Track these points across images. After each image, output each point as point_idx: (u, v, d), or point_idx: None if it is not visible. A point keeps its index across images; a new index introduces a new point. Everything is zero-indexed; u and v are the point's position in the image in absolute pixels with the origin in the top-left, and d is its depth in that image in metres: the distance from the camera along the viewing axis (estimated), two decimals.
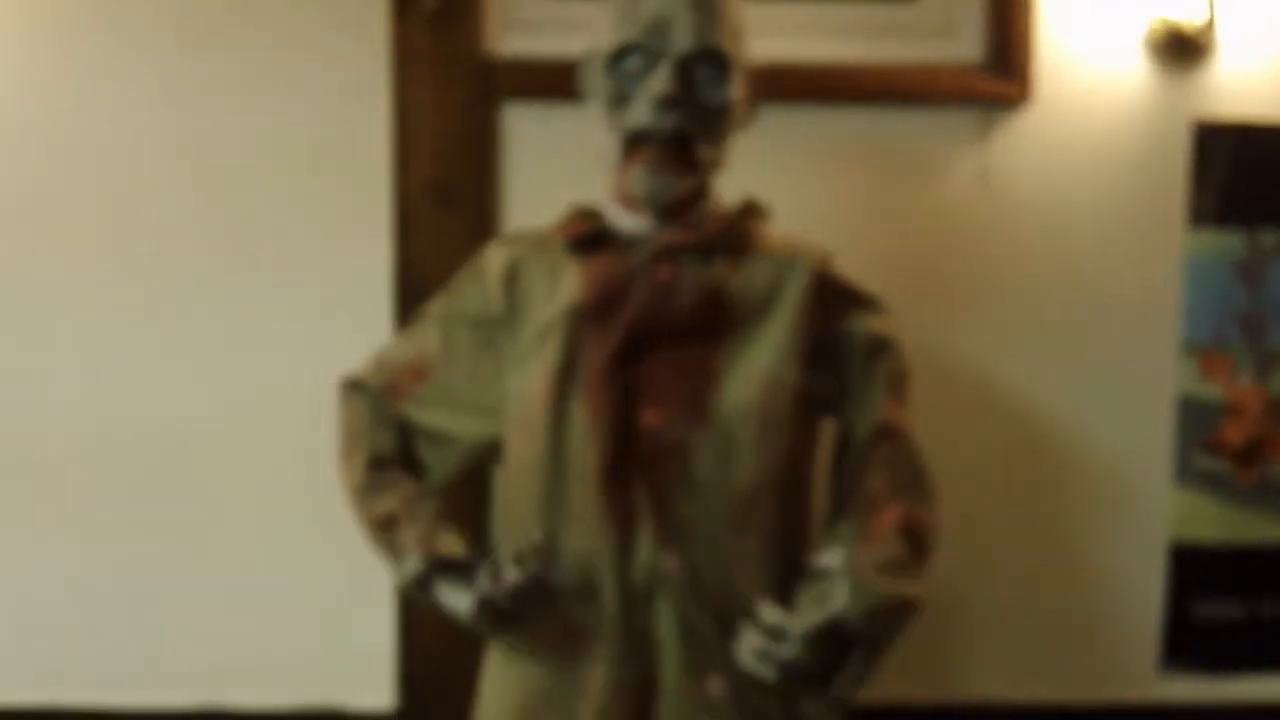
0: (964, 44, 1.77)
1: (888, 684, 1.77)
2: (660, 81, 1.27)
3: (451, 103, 1.73)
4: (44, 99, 1.76)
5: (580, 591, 1.27)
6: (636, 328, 1.28)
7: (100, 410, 1.79)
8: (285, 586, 1.81)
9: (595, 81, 1.35)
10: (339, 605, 1.81)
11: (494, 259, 1.41)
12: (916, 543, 1.27)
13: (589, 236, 1.36)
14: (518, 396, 1.32)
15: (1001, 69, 1.74)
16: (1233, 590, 1.82)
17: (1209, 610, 1.82)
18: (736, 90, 1.32)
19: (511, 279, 1.38)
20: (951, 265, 1.79)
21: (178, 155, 1.76)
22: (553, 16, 1.75)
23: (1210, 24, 1.73)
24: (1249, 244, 1.78)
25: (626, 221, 1.35)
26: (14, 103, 1.76)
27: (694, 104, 1.29)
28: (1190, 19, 1.72)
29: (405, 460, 1.41)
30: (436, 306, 1.44)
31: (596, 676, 1.27)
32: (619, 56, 1.31)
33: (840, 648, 1.19)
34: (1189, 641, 1.83)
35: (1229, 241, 1.78)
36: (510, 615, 1.26)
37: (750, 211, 1.40)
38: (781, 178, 1.73)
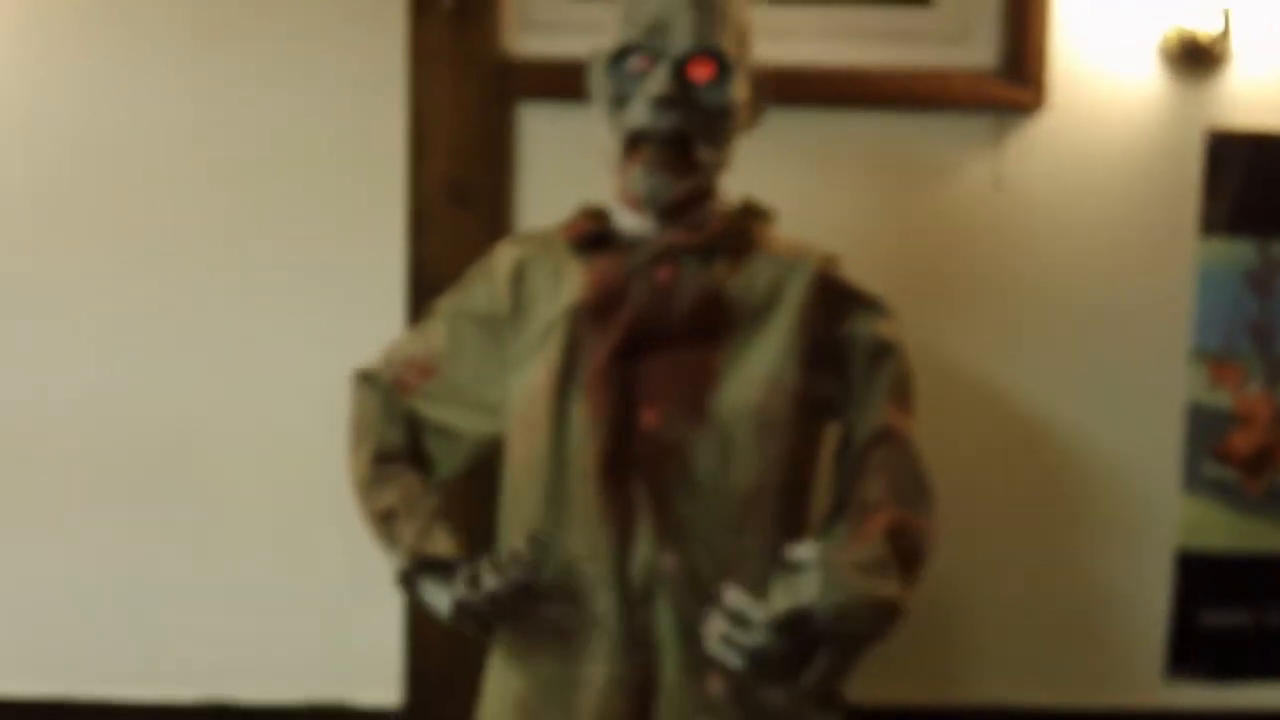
0: (979, 50, 1.77)
1: (892, 687, 1.80)
2: (658, 82, 1.27)
3: (468, 102, 1.73)
4: (59, 94, 1.77)
5: (579, 589, 1.27)
6: (635, 328, 1.29)
7: (110, 406, 1.80)
8: (292, 582, 1.81)
9: (597, 82, 1.35)
10: (346, 601, 1.81)
11: (502, 258, 1.42)
12: (905, 547, 1.25)
13: (592, 236, 1.36)
14: (521, 394, 1.33)
15: (1016, 75, 1.74)
16: (1239, 598, 1.83)
17: (1215, 618, 1.83)
18: (738, 92, 1.32)
19: (518, 278, 1.38)
20: (963, 270, 1.79)
21: (192, 151, 1.77)
22: (569, 17, 1.76)
23: (1225, 34, 1.73)
24: (1260, 254, 1.78)
25: (630, 222, 1.36)
26: (29, 97, 1.77)
27: (693, 105, 1.29)
28: (1205, 28, 1.73)
29: (414, 454, 1.42)
30: (446, 303, 1.45)
31: (596, 674, 1.27)
32: (619, 57, 1.31)
33: (810, 641, 1.17)
34: (1195, 648, 1.83)
35: (1241, 251, 1.78)
36: (488, 618, 1.26)
37: (752, 213, 1.40)
38: (796, 181, 1.75)
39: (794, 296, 1.32)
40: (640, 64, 1.30)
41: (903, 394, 1.35)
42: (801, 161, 1.76)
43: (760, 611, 1.17)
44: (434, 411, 1.41)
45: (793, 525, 1.30)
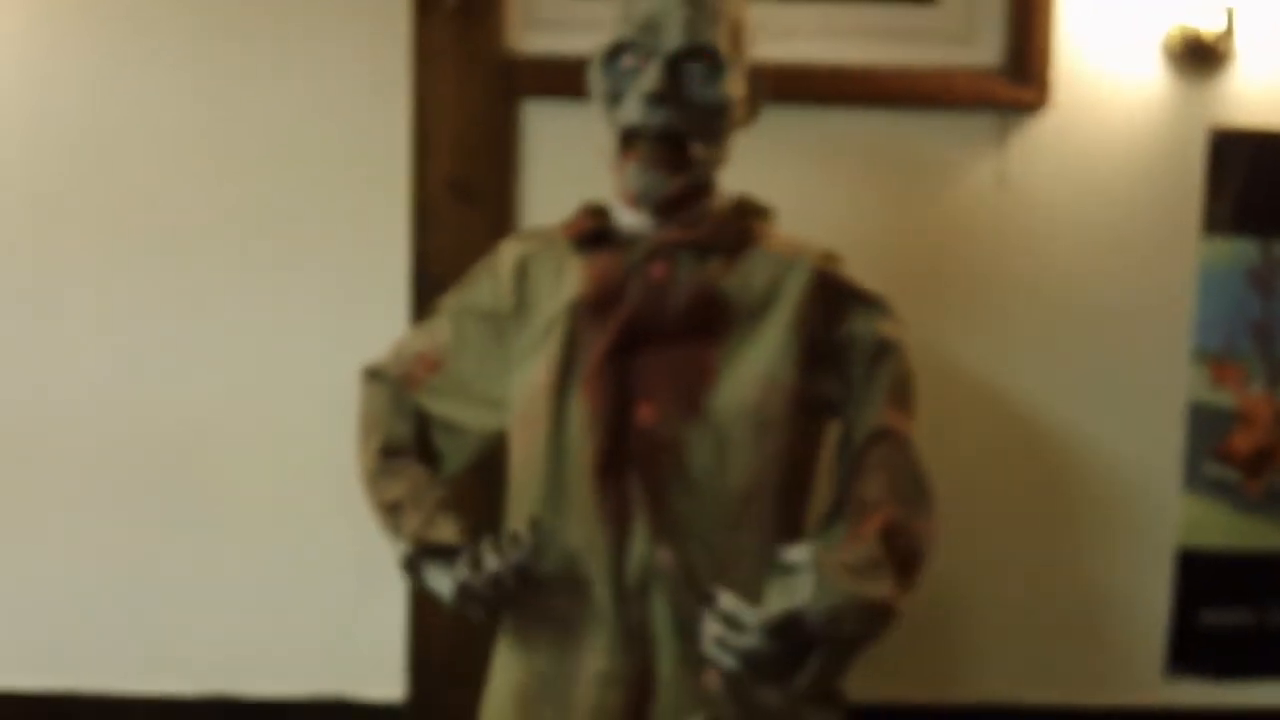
0: (983, 49, 1.77)
1: (893, 685, 1.81)
2: (649, 79, 1.27)
3: (472, 99, 1.74)
4: (64, 91, 1.77)
5: (576, 583, 1.28)
6: (631, 324, 1.29)
7: (114, 403, 1.81)
8: (297, 578, 1.82)
9: (594, 79, 1.35)
10: (350, 596, 1.82)
11: (507, 255, 1.42)
12: (900, 547, 1.25)
13: (592, 233, 1.37)
14: (522, 389, 1.34)
15: (1020, 74, 1.74)
16: (1240, 597, 1.83)
17: (1216, 617, 1.83)
18: (733, 88, 1.31)
19: (522, 275, 1.39)
20: (966, 269, 1.80)
21: (197, 148, 1.77)
22: (573, 15, 1.76)
23: (1229, 32, 1.73)
24: (1263, 253, 1.79)
25: (629, 219, 1.36)
26: (36, 95, 1.77)
27: (686, 101, 1.29)
28: (1209, 27, 1.73)
29: (421, 448, 1.44)
30: (451, 299, 1.46)
31: (592, 667, 1.28)
32: (614, 54, 1.32)
33: (803, 642, 1.18)
34: (1195, 647, 1.84)
35: (1243, 250, 1.79)
36: (490, 601, 1.26)
37: (749, 210, 1.40)
38: (799, 179, 1.75)
39: (792, 294, 1.32)
40: (633, 61, 1.30)
41: (903, 394, 1.34)
42: (804, 159, 1.76)
43: (753, 615, 1.17)
44: (439, 406, 1.42)
45: (789, 524, 1.30)
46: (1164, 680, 1.85)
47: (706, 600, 1.22)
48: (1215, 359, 1.80)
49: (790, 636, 1.16)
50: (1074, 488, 1.83)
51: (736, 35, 1.33)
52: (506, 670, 1.36)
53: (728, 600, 1.19)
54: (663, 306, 1.30)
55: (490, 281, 1.42)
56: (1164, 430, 1.82)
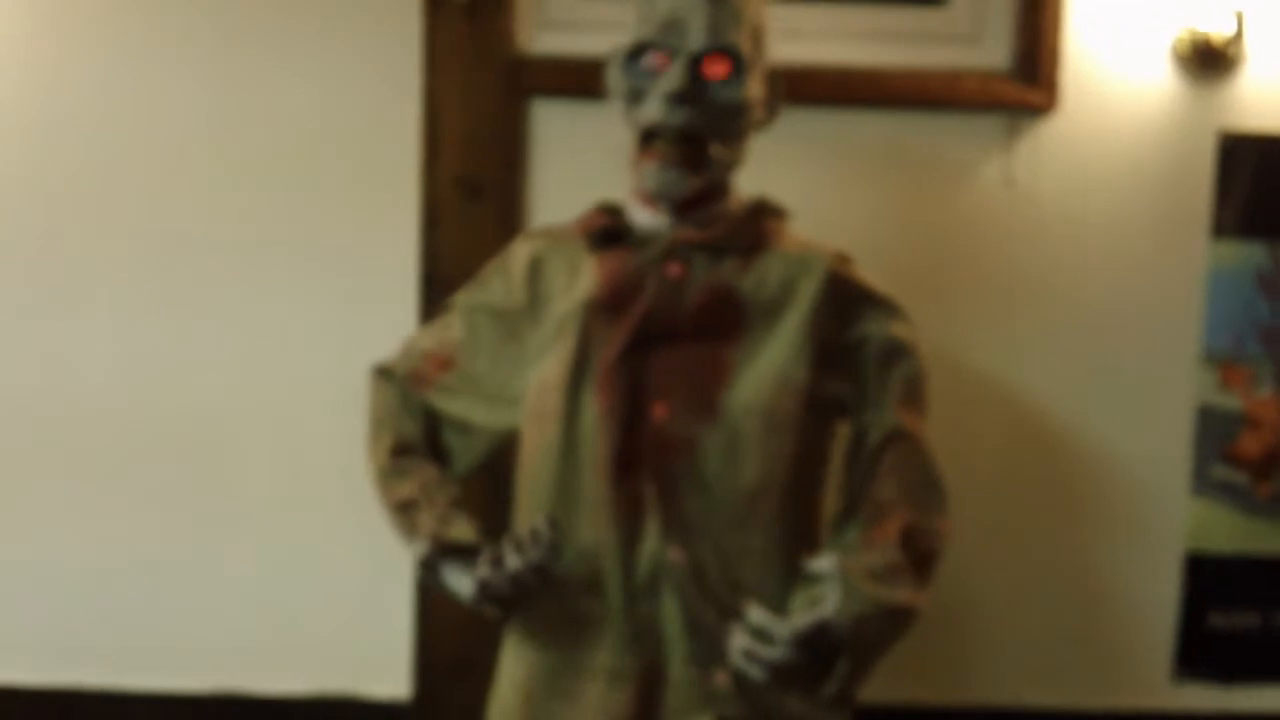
0: (992, 51, 1.78)
1: (902, 686, 1.80)
2: (672, 79, 1.28)
3: (481, 98, 1.74)
4: (79, 91, 1.78)
5: (586, 580, 1.28)
6: (646, 323, 1.29)
7: (127, 397, 1.81)
8: (303, 576, 1.83)
9: (614, 78, 1.36)
10: (357, 595, 1.82)
11: (519, 252, 1.43)
12: (919, 550, 1.26)
13: (605, 232, 1.37)
14: (535, 387, 1.34)
15: (1029, 77, 1.74)
16: (1248, 600, 1.83)
17: (1224, 620, 1.83)
18: (753, 90, 1.32)
19: (535, 273, 1.39)
20: (974, 270, 1.80)
21: (209, 146, 1.78)
22: (582, 15, 1.77)
23: (1238, 36, 1.73)
24: (1271, 256, 1.79)
25: (644, 218, 1.36)
26: (50, 94, 1.78)
27: (707, 102, 1.29)
28: (1218, 31, 1.73)
29: (431, 446, 1.43)
30: (463, 297, 1.46)
31: (601, 664, 1.28)
32: (635, 53, 1.32)
33: (829, 650, 1.19)
34: (1203, 651, 1.84)
35: (1252, 253, 1.79)
36: (510, 599, 1.27)
37: (765, 210, 1.40)
38: (807, 180, 1.75)
39: (805, 295, 1.32)
40: (655, 60, 1.31)
41: (915, 395, 1.35)
42: (814, 160, 1.77)
43: (783, 627, 1.18)
44: (451, 405, 1.42)
45: (800, 524, 1.30)
46: (1171, 683, 1.85)
47: (735, 614, 1.23)
48: (1223, 361, 1.80)
49: (817, 645, 1.18)
50: (1081, 490, 1.83)
51: (757, 37, 1.34)
52: (514, 666, 1.36)
53: (756, 614, 1.20)
54: (678, 306, 1.30)
55: (502, 279, 1.42)
56: (1172, 433, 1.82)
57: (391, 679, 1.82)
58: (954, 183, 1.79)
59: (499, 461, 1.45)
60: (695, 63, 1.29)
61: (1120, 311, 1.80)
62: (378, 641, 1.82)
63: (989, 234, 1.79)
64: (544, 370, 1.33)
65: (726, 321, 1.30)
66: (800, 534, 1.29)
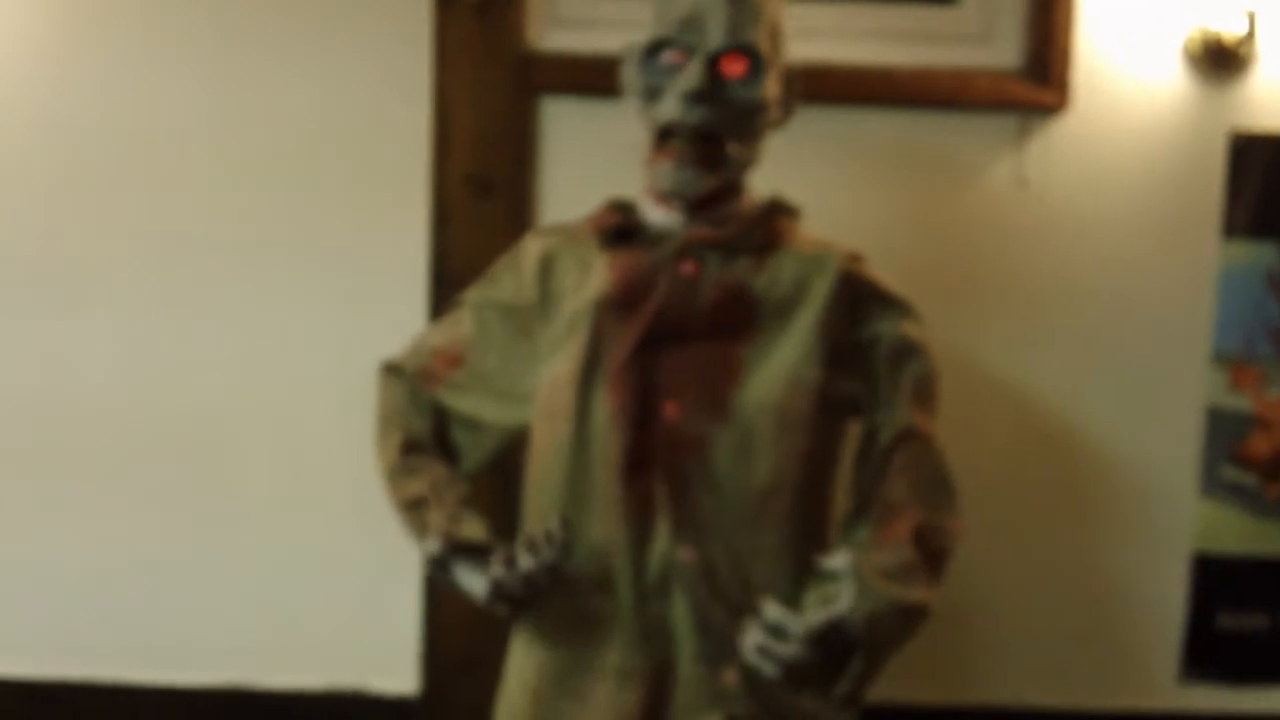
0: (1003, 50, 1.78)
1: (910, 686, 1.79)
2: (689, 77, 1.28)
3: (491, 96, 1.75)
4: (85, 90, 1.79)
5: (597, 579, 1.28)
6: (658, 321, 1.29)
7: (134, 395, 1.82)
8: (313, 572, 1.83)
9: (630, 75, 1.36)
10: (366, 591, 1.83)
11: (530, 249, 1.43)
12: (931, 549, 1.27)
13: (617, 229, 1.37)
14: (546, 384, 1.34)
15: (1040, 76, 1.74)
16: (1257, 602, 1.83)
17: (1232, 621, 1.83)
18: (770, 89, 1.32)
19: (546, 270, 1.39)
20: (984, 270, 1.80)
21: (219, 143, 1.79)
22: (592, 13, 1.77)
23: (1250, 36, 1.73)
24: None
25: (657, 216, 1.36)
26: (59, 93, 1.79)
27: (724, 100, 1.29)
28: (1230, 30, 1.73)
29: (440, 444, 1.43)
30: (473, 294, 1.46)
31: (610, 662, 1.29)
32: (653, 51, 1.32)
33: (843, 649, 1.19)
34: (1211, 652, 1.84)
35: (1263, 253, 1.78)
36: (522, 599, 1.27)
37: (778, 210, 1.40)
38: (819, 179, 1.75)
39: (818, 294, 1.32)
40: (673, 58, 1.30)
41: (927, 395, 1.35)
42: (826, 159, 1.77)
43: (798, 624, 1.18)
44: (460, 402, 1.42)
45: (811, 522, 1.30)
46: (1179, 684, 1.85)
47: (745, 613, 1.23)
48: (1234, 362, 1.80)
49: (831, 643, 1.18)
50: (1090, 490, 1.83)
51: (774, 36, 1.33)
52: (523, 665, 1.36)
53: (772, 610, 1.20)
54: (691, 304, 1.30)
55: (513, 276, 1.42)
56: (1182, 433, 1.82)
57: (399, 676, 1.83)
58: (965, 182, 1.79)
59: (508, 459, 1.45)
60: (713, 61, 1.28)
61: (1130, 311, 1.80)
62: (385, 638, 1.83)
63: (1000, 233, 1.80)
64: (555, 368, 1.33)
65: (739, 320, 1.30)
66: (811, 533, 1.30)
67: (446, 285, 1.73)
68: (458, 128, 1.75)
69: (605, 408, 1.28)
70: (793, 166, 1.66)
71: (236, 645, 1.84)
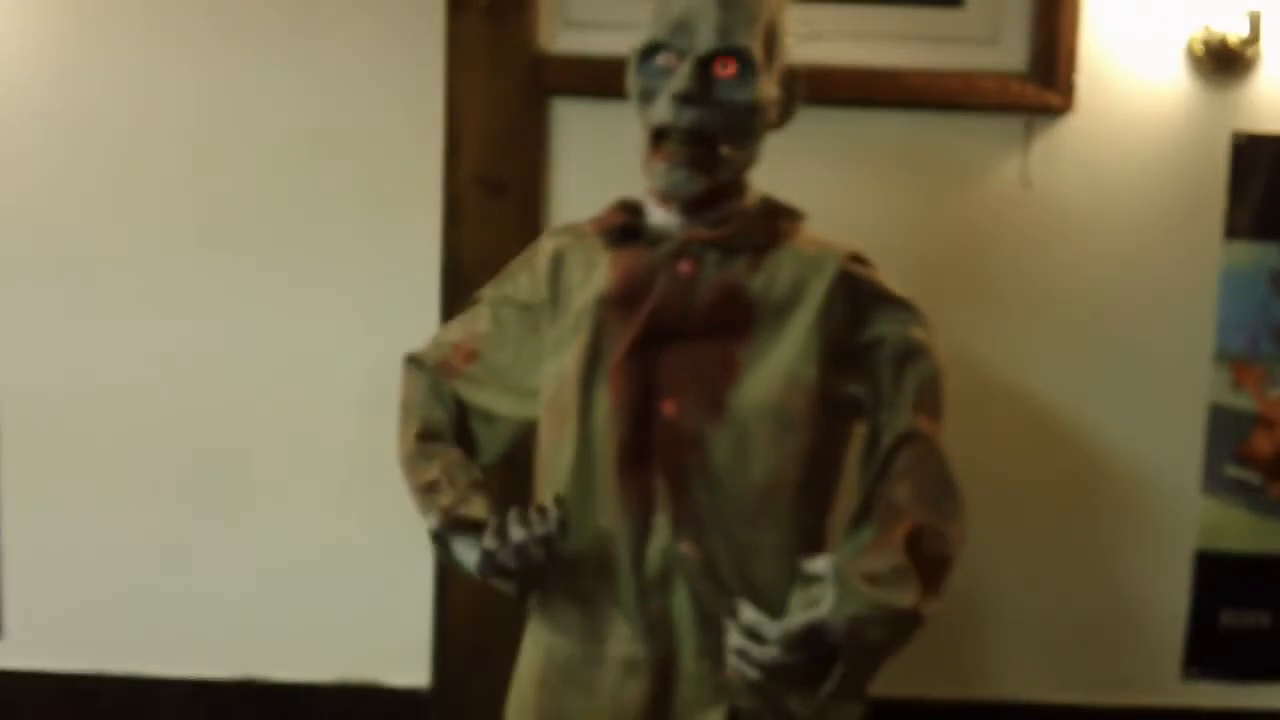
0: (1008, 52, 1.79)
1: (916, 682, 1.81)
2: (679, 79, 1.28)
3: (503, 97, 1.77)
4: (101, 87, 1.80)
5: (601, 571, 1.30)
6: (656, 319, 1.31)
7: (151, 392, 1.84)
8: (328, 566, 1.85)
9: (630, 78, 1.37)
10: (379, 585, 1.85)
11: (545, 248, 1.45)
12: (927, 554, 1.25)
13: (620, 229, 1.39)
14: (553, 379, 1.36)
15: (1045, 78, 1.76)
16: (1259, 599, 1.84)
17: (1234, 618, 1.84)
18: (764, 90, 1.31)
19: (557, 268, 1.41)
20: (989, 270, 1.81)
21: (236, 143, 1.81)
22: (603, 16, 1.79)
23: (1254, 37, 1.74)
24: None
25: (659, 216, 1.38)
26: (73, 89, 1.80)
27: (716, 102, 1.29)
28: (1234, 32, 1.73)
29: (460, 434, 1.46)
30: (491, 291, 1.49)
31: (615, 653, 1.31)
32: (648, 54, 1.33)
33: (827, 652, 1.18)
34: (1214, 648, 1.85)
35: (1265, 253, 1.79)
36: (515, 572, 1.28)
37: (777, 210, 1.40)
38: (826, 179, 1.77)
39: (816, 294, 1.32)
40: (667, 61, 1.31)
41: (931, 397, 1.34)
42: (831, 160, 1.78)
43: (774, 628, 1.18)
44: (476, 395, 1.45)
45: (811, 521, 1.31)
46: (1182, 681, 1.86)
47: (729, 612, 1.23)
48: (1237, 361, 1.81)
49: (813, 646, 1.18)
50: (1094, 489, 1.84)
51: (772, 38, 1.33)
52: (532, 656, 1.39)
53: (748, 613, 1.20)
54: (688, 303, 1.32)
55: (528, 274, 1.45)
56: (1185, 432, 1.83)
57: (412, 669, 1.85)
58: (970, 182, 1.80)
59: (519, 452, 1.47)
60: (706, 63, 1.29)
61: (1134, 311, 1.81)
62: (398, 633, 1.85)
63: (1005, 233, 1.81)
64: (561, 364, 1.35)
65: (736, 320, 1.31)
66: (813, 532, 1.30)
67: (458, 283, 1.75)
68: (469, 129, 1.77)
69: (606, 404, 1.30)
70: (800, 167, 1.68)
71: (251, 640, 1.87)
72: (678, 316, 1.31)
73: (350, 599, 1.86)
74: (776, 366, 1.29)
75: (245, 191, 1.81)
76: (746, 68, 1.29)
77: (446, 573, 1.79)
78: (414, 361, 1.50)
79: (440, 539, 1.34)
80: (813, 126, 1.68)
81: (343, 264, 1.82)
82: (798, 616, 1.18)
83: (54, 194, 1.82)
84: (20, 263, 1.83)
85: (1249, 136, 1.78)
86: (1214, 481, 1.82)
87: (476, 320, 1.47)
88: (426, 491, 1.38)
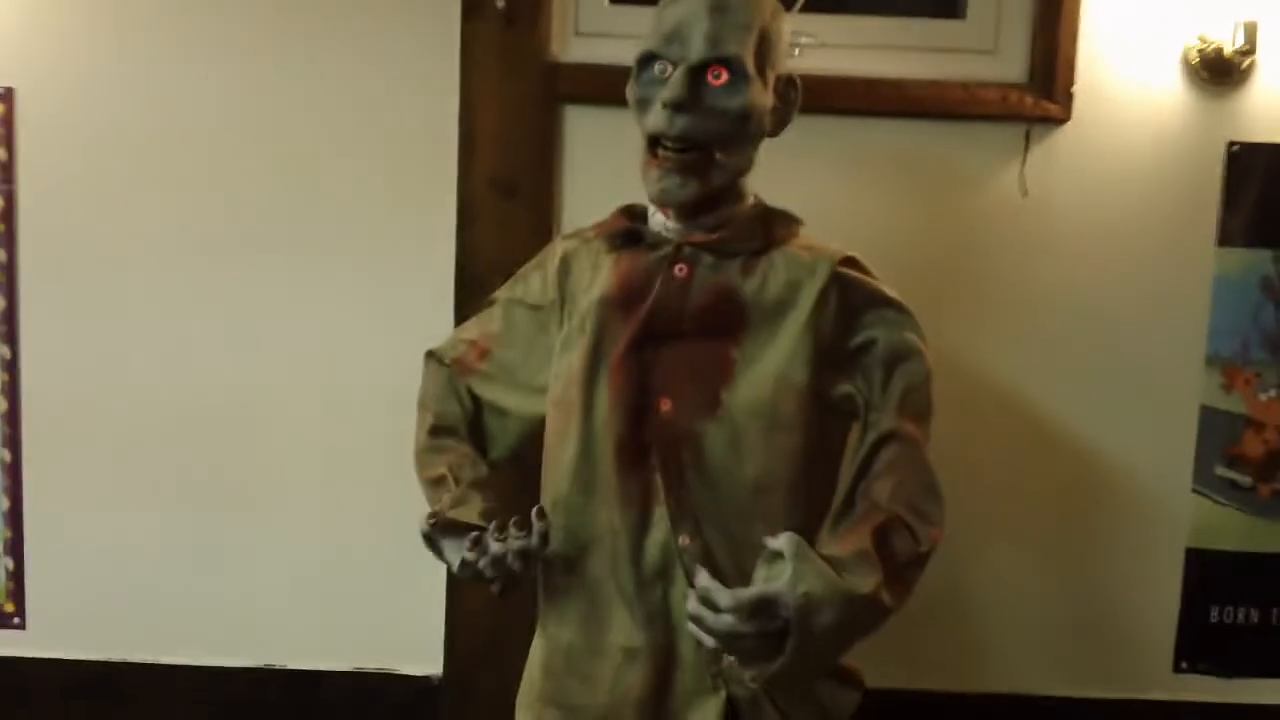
0: (1008, 63, 1.82)
1: (912, 674, 1.85)
2: (670, 88, 1.30)
3: (517, 103, 1.80)
4: (125, 90, 1.83)
5: (602, 560, 1.34)
6: (651, 320, 1.34)
7: (172, 387, 1.87)
8: (344, 561, 1.88)
9: (629, 87, 1.39)
10: (394, 579, 1.88)
11: (556, 251, 1.49)
12: (895, 547, 1.25)
13: (622, 233, 1.42)
14: (558, 378, 1.40)
15: (1045, 89, 1.78)
16: (1247, 596, 1.87)
17: (1224, 614, 1.87)
18: (756, 98, 1.32)
19: (565, 270, 1.45)
20: (987, 276, 1.83)
21: (253, 145, 1.83)
22: (613, 26, 1.82)
23: (1249, 48, 1.76)
24: (1277, 263, 1.82)
25: (659, 221, 1.41)
26: (97, 93, 1.83)
27: (708, 110, 1.30)
28: (1229, 43, 1.76)
29: (474, 429, 1.51)
30: (505, 292, 1.53)
31: (616, 643, 1.34)
32: (644, 63, 1.36)
33: (782, 626, 1.16)
34: (1204, 644, 1.88)
35: (1258, 260, 1.82)
36: (493, 579, 1.31)
37: (772, 215, 1.43)
38: (827, 186, 1.80)
39: (808, 297, 1.34)
40: (662, 70, 1.34)
41: (917, 399, 1.35)
42: (832, 168, 1.81)
43: (727, 595, 1.16)
44: (489, 391, 1.50)
45: (806, 518, 1.32)
46: (1173, 675, 1.89)
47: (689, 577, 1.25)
48: (1228, 365, 1.83)
49: (766, 619, 1.16)
50: (1088, 488, 1.86)
51: (765, 45, 1.35)
52: (540, 642, 1.44)
53: (703, 578, 1.20)
54: (682, 305, 1.35)
55: (540, 275, 1.49)
56: (1177, 434, 1.85)
57: (424, 662, 1.88)
58: (970, 190, 1.82)
59: (528, 449, 1.50)
60: (696, 72, 1.31)
61: (1128, 315, 1.83)
62: (412, 626, 1.88)
63: (1003, 240, 1.83)
64: (567, 362, 1.39)
65: (729, 321, 1.34)
66: (806, 528, 1.30)
67: (472, 283, 1.78)
68: (484, 133, 1.80)
69: (606, 401, 1.34)
70: (802, 174, 1.71)
71: (269, 632, 1.90)
72: (672, 318, 1.34)
73: (366, 593, 1.88)
74: (768, 368, 1.32)
75: (265, 194, 1.84)
76: (738, 76, 1.31)
77: None
78: (433, 356, 1.55)
79: (430, 540, 1.37)
80: (818, 133, 1.72)
81: (360, 264, 1.84)
82: (752, 588, 1.17)
83: (79, 199, 1.85)
84: (46, 266, 1.86)
85: (1243, 145, 1.80)
86: (1205, 482, 1.85)
87: (491, 320, 1.52)
88: (434, 486, 1.43)
